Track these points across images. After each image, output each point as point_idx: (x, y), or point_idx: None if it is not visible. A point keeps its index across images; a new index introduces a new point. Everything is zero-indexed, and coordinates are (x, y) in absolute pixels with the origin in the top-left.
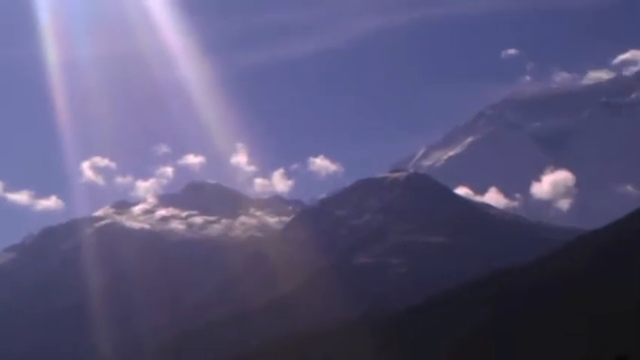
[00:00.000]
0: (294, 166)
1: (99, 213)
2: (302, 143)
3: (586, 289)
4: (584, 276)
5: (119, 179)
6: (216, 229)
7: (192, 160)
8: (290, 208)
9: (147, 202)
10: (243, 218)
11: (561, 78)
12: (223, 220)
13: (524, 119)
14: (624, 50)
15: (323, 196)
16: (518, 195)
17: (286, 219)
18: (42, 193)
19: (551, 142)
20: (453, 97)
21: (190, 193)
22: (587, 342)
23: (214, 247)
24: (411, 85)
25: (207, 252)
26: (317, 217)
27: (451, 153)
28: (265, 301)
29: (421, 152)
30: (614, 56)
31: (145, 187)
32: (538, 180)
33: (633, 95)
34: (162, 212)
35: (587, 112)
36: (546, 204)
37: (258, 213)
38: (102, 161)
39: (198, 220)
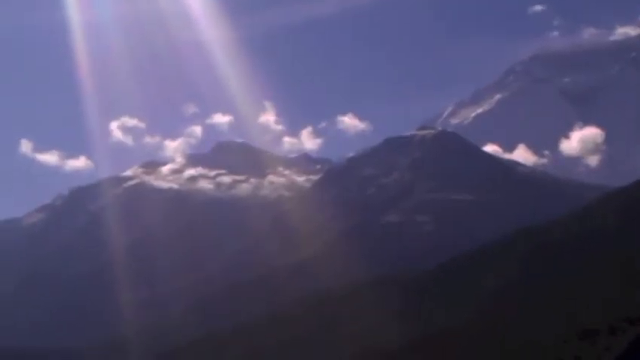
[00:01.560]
0: (323, 124)
1: (127, 173)
2: (330, 101)
3: (615, 246)
4: (613, 233)
5: (148, 139)
6: (244, 188)
7: (221, 119)
8: (318, 166)
9: (175, 161)
10: (271, 177)
11: (589, 34)
12: (252, 180)
13: (552, 75)
14: None
15: (351, 154)
16: (546, 152)
17: (314, 178)
18: (71, 153)
19: (580, 99)
20: (480, 54)
21: (218, 153)
22: (618, 299)
23: (242, 207)
24: (438, 43)
25: (235, 212)
26: (345, 175)
27: (479, 110)
28: (292, 261)
29: (449, 110)
30: None
31: (173, 146)
32: (567, 137)
33: None
34: (190, 172)
35: (616, 68)
36: (575, 161)
37: (287, 172)
38: (130, 121)
39: (227, 179)
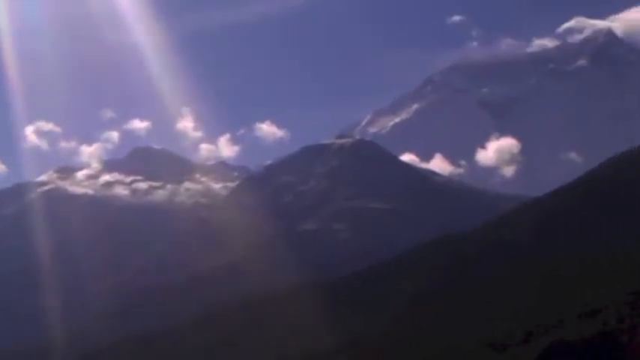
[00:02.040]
0: (241, 131)
1: (43, 178)
2: (248, 108)
3: (530, 255)
4: (528, 242)
5: (63, 144)
6: (160, 194)
7: (138, 124)
8: (235, 174)
9: (91, 167)
10: (188, 184)
11: (507, 45)
12: (168, 186)
13: (470, 86)
14: (568, 18)
15: (269, 162)
16: (463, 162)
17: (231, 185)
18: None
19: (497, 109)
20: (399, 63)
21: (135, 159)
22: (533, 306)
23: (159, 213)
24: (358, 51)
25: (152, 218)
26: (262, 183)
27: (397, 119)
28: (210, 267)
29: (367, 119)
30: (559, 24)
31: (89, 152)
32: (483, 147)
33: (579, 62)
34: (106, 177)
35: (533, 79)
36: (491, 171)
37: (204, 179)
38: (46, 125)
39: (143, 185)
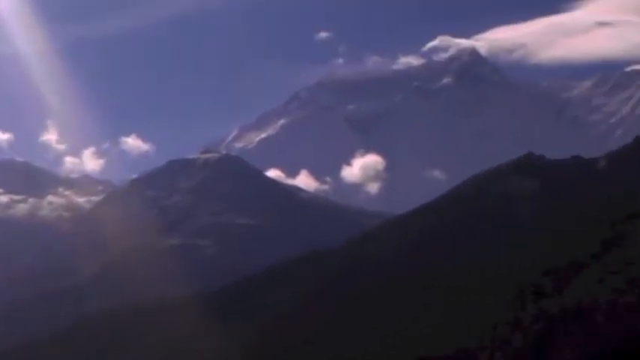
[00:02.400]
0: (106, 144)
1: None
2: (114, 122)
3: (394, 271)
4: (392, 259)
5: None
6: (22, 208)
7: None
8: (100, 187)
9: None
10: (50, 198)
11: (373, 62)
12: (30, 200)
13: (337, 102)
14: (433, 37)
15: (134, 176)
16: (328, 178)
17: (96, 199)
18: None
19: (363, 126)
20: (266, 79)
21: None
22: (395, 323)
23: (21, 227)
24: (224, 66)
25: (13, 232)
26: (127, 197)
27: (263, 135)
28: (72, 281)
29: (233, 134)
30: (424, 42)
31: None
32: (349, 163)
33: (444, 81)
34: None
35: (399, 96)
36: (356, 187)
37: (67, 192)
38: None
39: (4, 199)
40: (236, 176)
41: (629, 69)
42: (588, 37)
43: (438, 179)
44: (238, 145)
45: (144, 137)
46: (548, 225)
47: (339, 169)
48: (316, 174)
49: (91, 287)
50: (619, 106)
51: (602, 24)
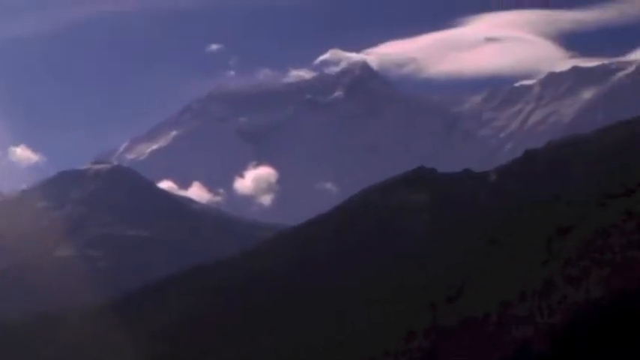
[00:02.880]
0: None
1: None
2: (1, 132)
3: (287, 284)
4: (285, 271)
5: None
6: None
7: None
8: None
9: None
10: None
11: (264, 75)
12: None
13: (229, 114)
14: (325, 50)
15: (24, 186)
16: (221, 190)
17: None
18: None
19: (255, 138)
20: (157, 90)
21: None
22: (288, 336)
23: None
24: (115, 76)
25: None
26: (17, 207)
27: (155, 146)
28: None
29: (125, 145)
30: (315, 56)
31: None
32: (241, 175)
33: (335, 94)
34: None
35: (291, 109)
36: (249, 199)
37: None
38: None
39: None
40: (128, 187)
41: (517, 84)
42: (477, 52)
43: (329, 191)
44: (130, 156)
45: (34, 147)
46: (439, 237)
47: (231, 180)
48: (209, 185)
49: None
50: (508, 120)
51: (490, 39)
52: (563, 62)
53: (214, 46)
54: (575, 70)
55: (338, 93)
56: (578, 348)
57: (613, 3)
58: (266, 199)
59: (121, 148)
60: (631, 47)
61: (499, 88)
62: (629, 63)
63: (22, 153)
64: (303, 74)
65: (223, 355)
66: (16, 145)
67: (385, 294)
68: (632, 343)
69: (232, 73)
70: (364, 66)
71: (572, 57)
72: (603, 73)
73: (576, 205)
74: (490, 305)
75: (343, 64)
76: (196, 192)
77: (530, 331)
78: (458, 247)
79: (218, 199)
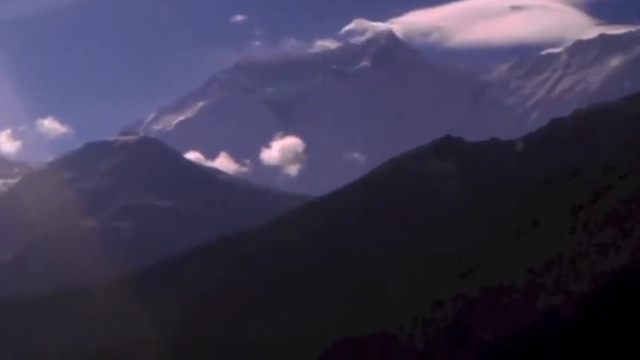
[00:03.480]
0: (22, 127)
1: None
2: (30, 104)
3: (314, 254)
4: (312, 242)
5: None
6: None
7: None
8: (16, 170)
9: None
10: None
11: (290, 45)
12: None
13: (255, 85)
14: (349, 20)
15: (51, 158)
16: (248, 160)
17: (12, 181)
18: None
19: (281, 108)
20: (184, 62)
21: None
22: (315, 306)
23: None
24: (142, 48)
25: None
26: (44, 179)
27: (182, 117)
28: None
29: (152, 116)
30: (341, 26)
31: None
32: (268, 146)
33: (362, 64)
34: None
35: (317, 80)
36: (275, 169)
37: None
38: None
39: None
40: (155, 159)
41: (544, 52)
42: (503, 20)
43: (357, 161)
44: (157, 127)
45: (61, 119)
46: (467, 205)
47: (258, 151)
48: (236, 156)
49: (12, 270)
50: (535, 89)
51: (516, 8)
52: (589, 30)
53: (239, 17)
54: (602, 37)
55: (364, 63)
56: (604, 316)
57: None
58: (293, 170)
59: (148, 119)
60: None
61: (526, 57)
62: None
63: (49, 124)
64: (329, 44)
65: (250, 326)
66: (44, 116)
67: (414, 262)
68: None
69: (258, 43)
70: (390, 35)
71: (598, 24)
72: (630, 40)
73: (604, 174)
74: (517, 274)
75: (369, 34)
76: (223, 163)
77: (558, 300)
78: (486, 215)
79: (245, 169)
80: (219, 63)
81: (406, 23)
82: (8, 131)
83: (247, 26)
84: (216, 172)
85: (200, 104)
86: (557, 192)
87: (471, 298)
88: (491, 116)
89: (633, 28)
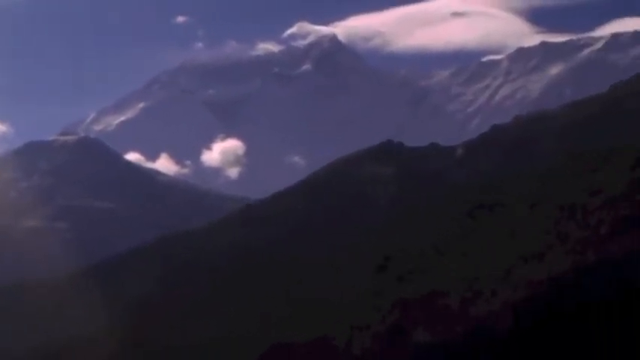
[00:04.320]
0: None
1: None
2: None
3: (254, 256)
4: (252, 243)
5: None
6: None
7: None
8: None
9: None
10: None
11: (232, 47)
12: None
13: (197, 86)
14: (292, 24)
15: None
16: (188, 162)
17: None
18: None
19: (223, 110)
20: (125, 62)
21: None
22: (254, 309)
23: None
24: (83, 48)
25: None
26: None
27: (123, 118)
28: None
29: (92, 116)
30: (283, 29)
31: None
32: (209, 148)
33: (303, 67)
34: None
35: (259, 82)
36: (216, 172)
37: None
38: None
39: None
40: (95, 159)
41: (485, 59)
42: (444, 27)
43: (297, 164)
44: (97, 127)
45: (1, 118)
46: (406, 211)
47: (199, 153)
48: (176, 157)
49: None
50: (476, 95)
51: (457, 14)
52: (531, 37)
53: (181, 18)
54: (543, 45)
55: (306, 66)
56: (539, 323)
57: None
58: (233, 172)
59: (89, 119)
60: (598, 23)
61: (467, 63)
62: (597, 39)
63: None
64: (271, 47)
65: (191, 327)
66: None
67: (353, 266)
68: (588, 318)
69: (200, 45)
70: (333, 39)
71: (539, 32)
72: (571, 48)
73: (541, 182)
74: (454, 279)
75: (311, 38)
76: (164, 164)
77: (494, 305)
78: (424, 220)
79: (185, 171)
80: (161, 64)
81: (348, 27)
82: None
83: (190, 27)
84: (156, 174)
85: (141, 105)
86: (496, 198)
87: (409, 302)
88: (432, 122)
89: (574, 36)
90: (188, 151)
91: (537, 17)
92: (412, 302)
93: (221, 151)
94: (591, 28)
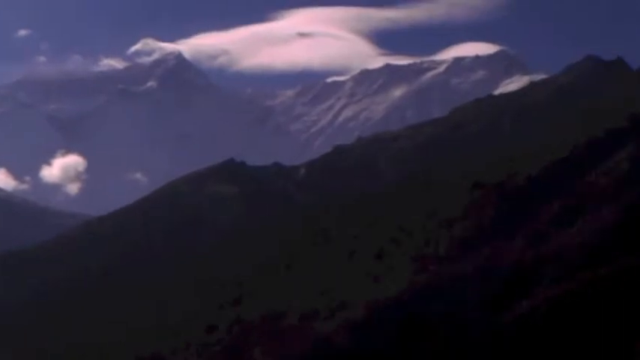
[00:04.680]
0: None
1: None
2: None
3: (93, 276)
4: (93, 261)
5: None
6: None
7: None
8: None
9: None
10: None
11: (75, 62)
12: None
13: (38, 101)
14: (137, 40)
15: None
16: (28, 177)
17: None
18: None
19: (65, 126)
20: None
21: None
22: (90, 330)
23: None
24: None
25: None
26: None
27: None
28: None
29: None
30: (128, 45)
31: None
32: (49, 163)
33: (148, 84)
34: None
35: (102, 98)
36: (55, 188)
37: None
38: None
39: None
40: None
41: (329, 80)
42: (290, 47)
43: (139, 181)
44: None
45: None
46: (248, 230)
47: (38, 168)
48: (15, 172)
49: None
50: (319, 115)
51: (303, 35)
52: (375, 60)
53: (23, 32)
54: (387, 67)
55: (151, 83)
56: (377, 343)
57: (421, 3)
58: (73, 188)
59: None
60: (441, 47)
61: (312, 84)
62: (439, 62)
63: None
64: (115, 63)
65: (19, 350)
66: None
67: (188, 288)
68: (430, 337)
69: (43, 59)
70: (178, 56)
71: (384, 54)
72: (414, 71)
73: (381, 202)
74: (294, 299)
75: (156, 55)
76: (2, 179)
77: (332, 325)
78: (265, 240)
79: (24, 186)
80: (2, 77)
81: (194, 45)
82: None
83: (32, 41)
84: None
85: None
86: (336, 219)
87: (248, 322)
88: (275, 141)
89: (417, 59)
90: (27, 166)
91: (382, 40)
92: (249, 323)
93: (61, 167)
94: (433, 52)
